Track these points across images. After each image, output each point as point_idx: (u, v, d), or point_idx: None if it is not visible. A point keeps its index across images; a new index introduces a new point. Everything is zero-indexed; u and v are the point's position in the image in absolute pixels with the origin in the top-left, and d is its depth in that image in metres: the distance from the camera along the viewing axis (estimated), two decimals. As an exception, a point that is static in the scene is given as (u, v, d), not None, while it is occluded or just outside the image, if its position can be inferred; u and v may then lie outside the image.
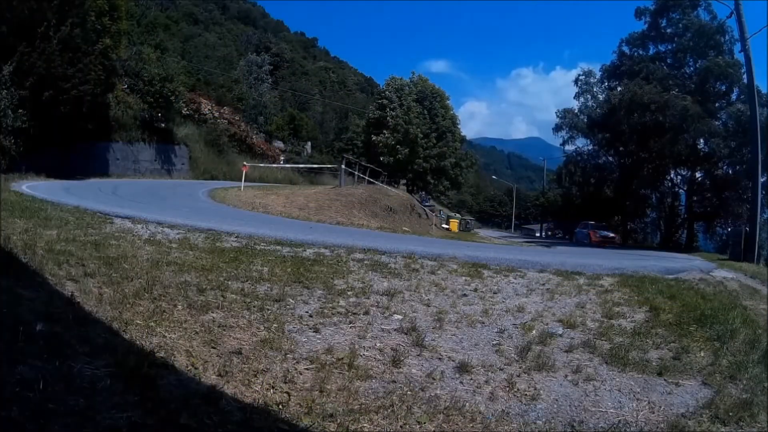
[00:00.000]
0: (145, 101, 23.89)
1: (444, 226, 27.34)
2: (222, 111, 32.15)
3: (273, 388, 2.47)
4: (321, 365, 2.81)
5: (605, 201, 31.54)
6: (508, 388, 2.84)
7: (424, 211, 24.02)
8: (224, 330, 3.13)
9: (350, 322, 3.68)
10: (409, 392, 2.64)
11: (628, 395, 2.92)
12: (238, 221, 9.47)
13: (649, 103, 24.63)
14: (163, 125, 25.32)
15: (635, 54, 30.10)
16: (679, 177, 30.01)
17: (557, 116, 34.30)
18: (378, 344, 3.32)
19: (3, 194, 8.51)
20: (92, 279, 3.69)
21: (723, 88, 26.96)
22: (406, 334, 3.55)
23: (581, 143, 33.46)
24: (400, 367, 2.97)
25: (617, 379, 3.13)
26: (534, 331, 3.90)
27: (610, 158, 32.25)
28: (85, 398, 1.93)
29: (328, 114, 57.01)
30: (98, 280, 3.70)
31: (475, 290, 5.14)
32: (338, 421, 2.23)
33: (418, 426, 2.32)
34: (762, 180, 15.78)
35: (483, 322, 4.07)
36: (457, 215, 35.57)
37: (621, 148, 29.64)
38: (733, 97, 26.57)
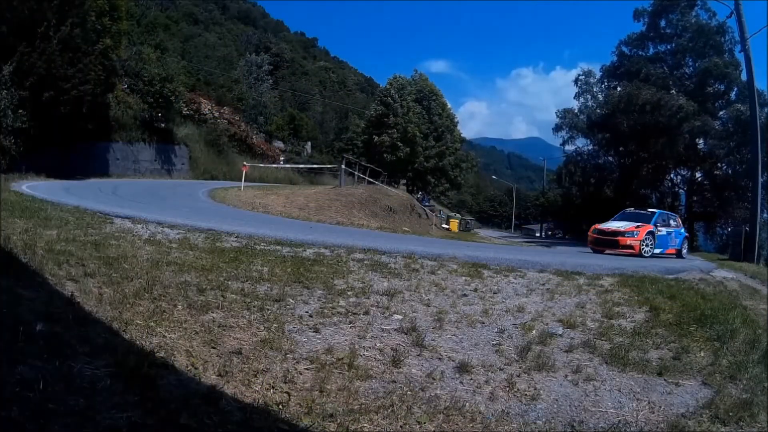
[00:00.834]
0: (145, 101, 23.89)
1: (444, 226, 27.35)
2: (222, 111, 32.13)
3: (273, 388, 2.47)
4: (321, 365, 2.81)
5: (605, 201, 31.47)
6: (508, 388, 2.84)
7: (424, 211, 24.03)
8: (224, 330, 3.13)
9: (350, 322, 3.68)
10: (409, 392, 2.64)
11: (628, 395, 2.92)
12: (238, 221, 9.47)
13: (644, 104, 24.68)
14: (163, 125, 25.32)
15: (635, 54, 30.15)
16: (679, 177, 30.10)
17: (557, 116, 34.31)
18: (378, 344, 3.32)
19: (3, 194, 8.51)
20: (92, 279, 3.68)
21: (722, 88, 27.02)
22: (406, 334, 3.55)
23: (581, 143, 33.53)
24: (400, 367, 2.97)
25: (617, 379, 3.13)
26: (534, 331, 3.90)
27: (610, 158, 32.28)
28: (85, 398, 1.93)
29: (328, 114, 56.92)
30: (98, 280, 3.69)
31: (475, 290, 5.14)
32: (338, 421, 2.22)
33: (418, 426, 2.32)
34: (762, 180, 15.80)
35: (483, 322, 4.07)
36: (457, 215, 35.59)
37: (621, 148, 29.68)
38: (733, 96, 26.63)
